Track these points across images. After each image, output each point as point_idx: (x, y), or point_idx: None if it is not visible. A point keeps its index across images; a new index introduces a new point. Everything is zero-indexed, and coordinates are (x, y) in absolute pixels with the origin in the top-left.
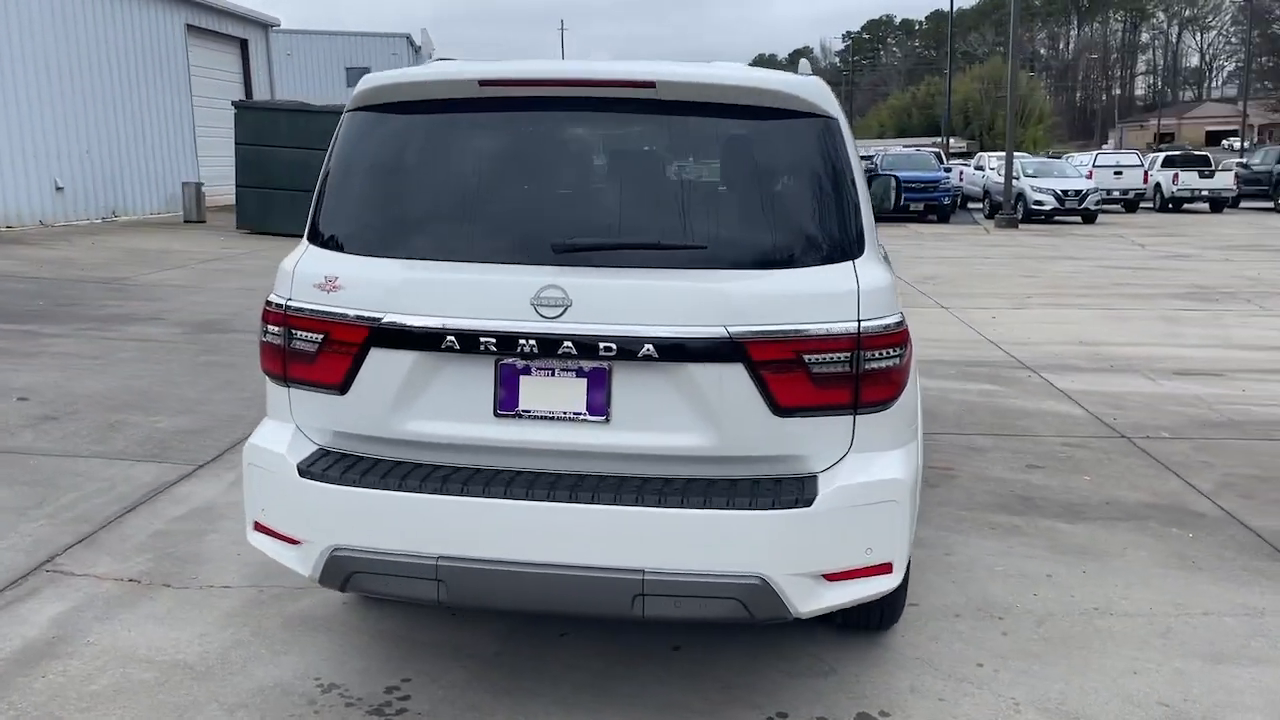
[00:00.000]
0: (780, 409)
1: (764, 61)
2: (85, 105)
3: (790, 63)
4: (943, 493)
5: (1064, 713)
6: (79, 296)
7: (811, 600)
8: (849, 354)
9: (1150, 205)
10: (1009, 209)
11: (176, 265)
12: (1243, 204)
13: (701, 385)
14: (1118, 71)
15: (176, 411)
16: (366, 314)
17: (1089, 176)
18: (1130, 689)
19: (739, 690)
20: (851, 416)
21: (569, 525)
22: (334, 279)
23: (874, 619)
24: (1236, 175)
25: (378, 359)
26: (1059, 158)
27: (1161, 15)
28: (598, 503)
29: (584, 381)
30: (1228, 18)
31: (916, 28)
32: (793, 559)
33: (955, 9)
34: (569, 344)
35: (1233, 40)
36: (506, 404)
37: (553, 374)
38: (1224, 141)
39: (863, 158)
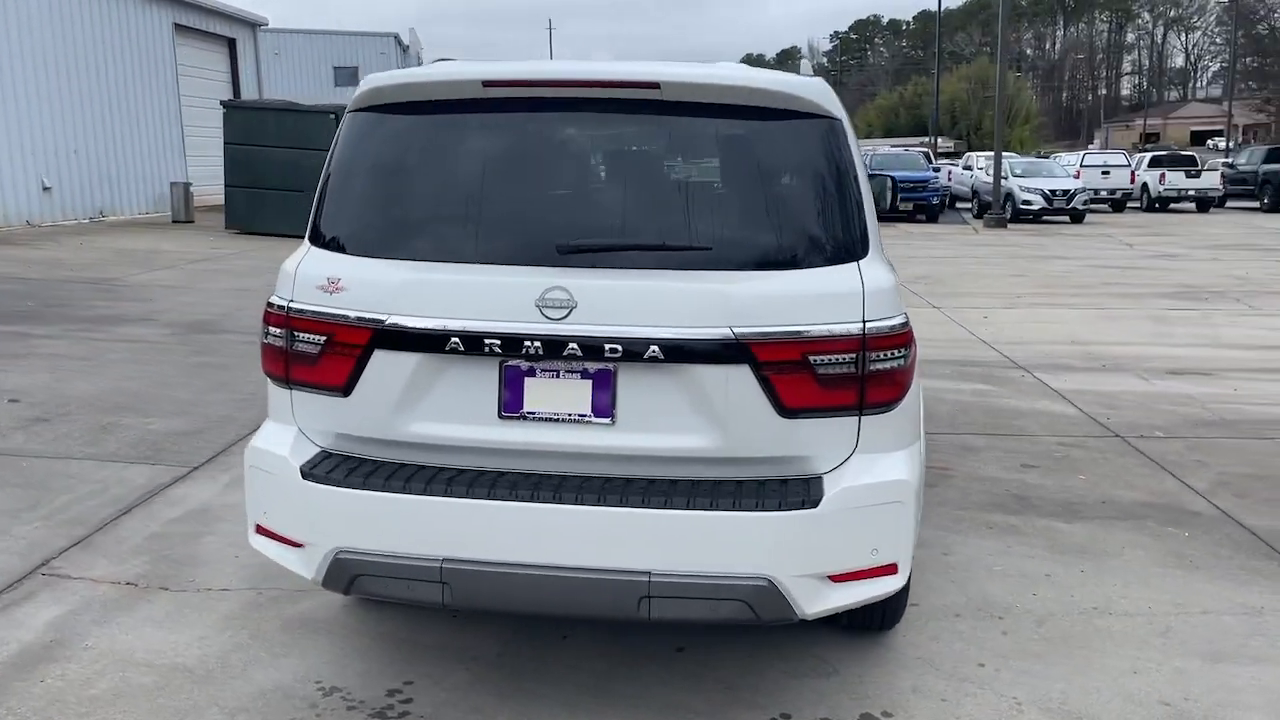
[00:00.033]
0: (786, 410)
1: (752, 61)
2: (73, 105)
3: (779, 63)
4: (939, 492)
5: (1066, 712)
6: (68, 297)
7: (818, 601)
8: (854, 355)
9: (1137, 205)
10: (998, 209)
11: (166, 266)
12: (1229, 204)
13: (707, 387)
14: (1103, 72)
15: (169, 413)
16: (370, 315)
17: (1077, 176)
18: (1131, 688)
19: (742, 691)
20: (857, 417)
21: (574, 527)
22: (337, 280)
23: (876, 619)
24: (1223, 175)
25: (381, 361)
26: (1048, 157)
27: (1147, 16)
28: (603, 505)
29: (589, 383)
30: (1212, 18)
31: (904, 28)
32: (799, 560)
33: (942, 9)
34: (574, 345)
35: (1217, 41)
36: (511, 406)
37: (558, 376)
38: (1209, 141)
39: None
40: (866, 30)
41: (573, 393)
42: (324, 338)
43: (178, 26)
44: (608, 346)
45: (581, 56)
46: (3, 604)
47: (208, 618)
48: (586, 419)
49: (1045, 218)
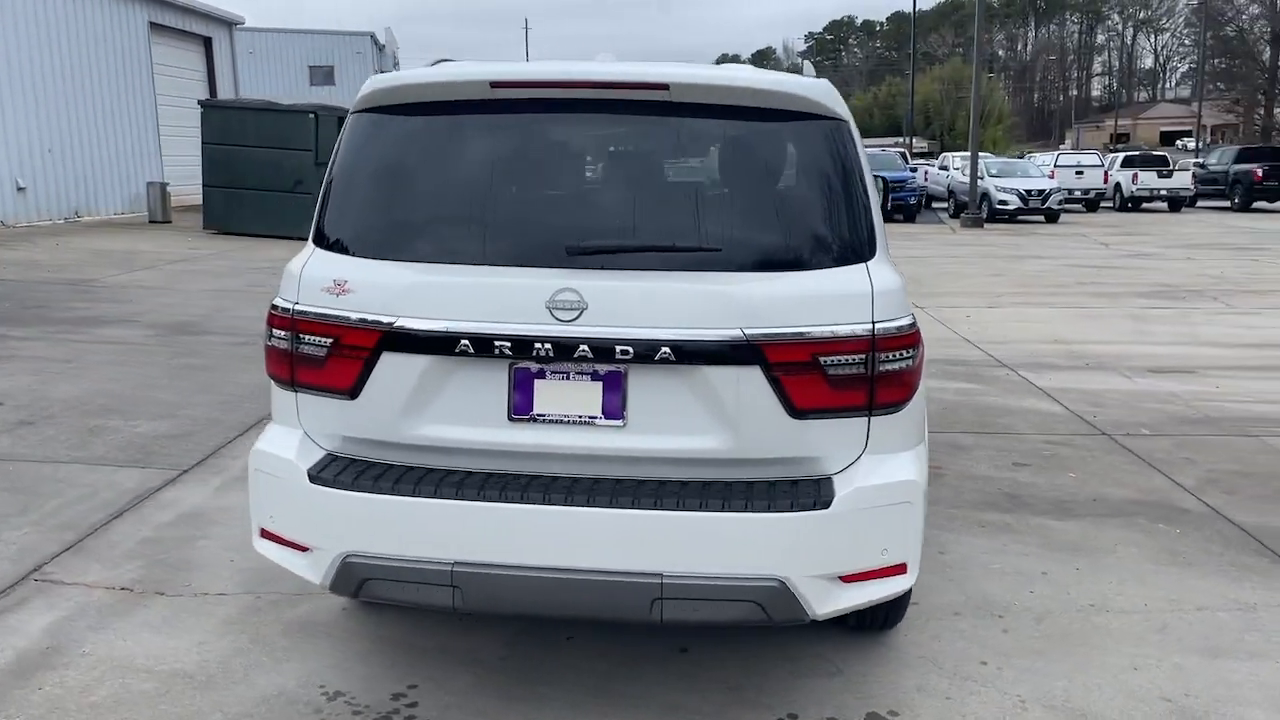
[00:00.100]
0: (796, 411)
1: (728, 62)
2: (47, 104)
3: (755, 64)
4: (932, 491)
5: (1070, 709)
6: (46, 299)
7: (829, 602)
8: (864, 356)
9: (1110, 205)
10: (974, 208)
11: (145, 266)
12: (1200, 203)
13: (717, 388)
14: (1074, 73)
15: (155, 415)
16: (378, 318)
17: (1051, 176)
18: (1132, 685)
19: (747, 692)
20: (866, 418)
21: (586, 529)
22: (343, 282)
23: (879, 619)
24: (1194, 175)
25: (389, 363)
26: (1023, 157)
27: (1117, 17)
28: (614, 506)
29: (599, 385)
30: (1181, 20)
31: (877, 29)
32: (811, 561)
33: (916, 10)
34: (585, 347)
35: (1186, 42)
36: (521, 408)
37: (568, 377)
38: (1178, 141)
39: None
40: (841, 31)
41: (583, 395)
42: (331, 340)
43: (153, 25)
44: (619, 348)
45: (555, 57)
46: None
47: (206, 622)
48: (597, 421)
49: (1021, 217)
